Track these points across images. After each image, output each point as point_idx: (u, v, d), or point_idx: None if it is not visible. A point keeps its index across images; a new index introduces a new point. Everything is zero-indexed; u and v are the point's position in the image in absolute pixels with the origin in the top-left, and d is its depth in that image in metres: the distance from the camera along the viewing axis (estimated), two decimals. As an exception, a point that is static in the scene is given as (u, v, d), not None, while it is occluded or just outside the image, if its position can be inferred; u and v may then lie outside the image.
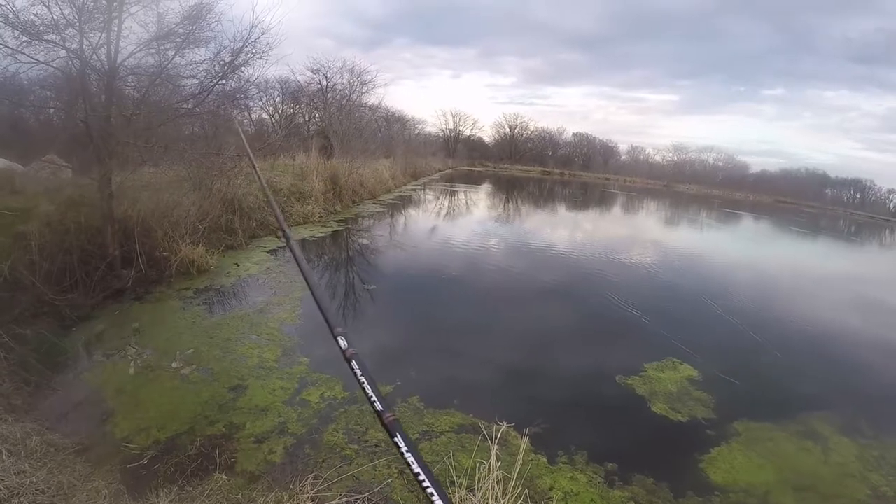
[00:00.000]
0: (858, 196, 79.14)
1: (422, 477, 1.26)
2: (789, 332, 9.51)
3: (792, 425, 5.89)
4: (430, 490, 1.25)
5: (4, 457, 3.48)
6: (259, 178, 3.26)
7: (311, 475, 3.97)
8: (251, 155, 4.51)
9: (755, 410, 6.10)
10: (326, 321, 1.76)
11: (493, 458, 3.54)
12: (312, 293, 1.95)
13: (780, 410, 6.22)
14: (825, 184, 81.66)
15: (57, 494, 3.37)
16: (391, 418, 1.38)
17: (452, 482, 3.79)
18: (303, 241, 12.90)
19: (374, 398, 1.43)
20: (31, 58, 7.29)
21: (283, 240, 2.40)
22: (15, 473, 3.37)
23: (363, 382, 1.49)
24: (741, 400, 6.40)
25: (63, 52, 7.52)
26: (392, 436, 1.34)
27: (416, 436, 4.88)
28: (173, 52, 8.87)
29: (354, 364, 1.55)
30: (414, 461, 1.29)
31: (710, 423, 5.73)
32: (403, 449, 1.31)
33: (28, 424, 4.15)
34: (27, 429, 4.04)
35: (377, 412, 1.41)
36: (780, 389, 6.96)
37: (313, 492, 3.77)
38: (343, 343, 1.64)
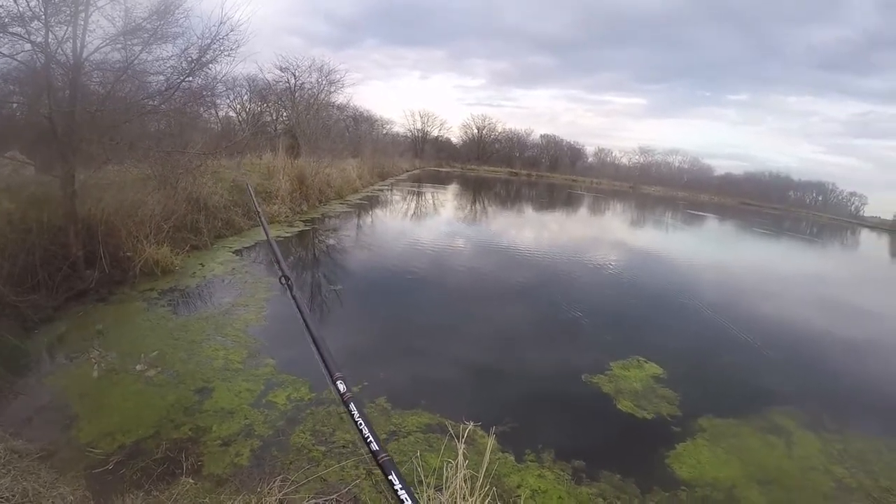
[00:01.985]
0: (821, 198, 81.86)
1: None
2: (753, 330, 9.78)
3: (756, 420, 6.11)
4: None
5: (-33, 464, 3.45)
6: (266, 231, 3.28)
7: (279, 477, 4.02)
8: (260, 214, 4.54)
9: (720, 407, 6.29)
10: (325, 366, 1.83)
11: (461, 458, 3.58)
12: (313, 339, 1.99)
13: (745, 406, 6.43)
14: (788, 186, 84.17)
15: (22, 502, 3.36)
16: (385, 458, 1.47)
17: (420, 482, 3.83)
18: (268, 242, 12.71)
19: (370, 439, 1.51)
20: (-5, 51, 7.14)
21: (285, 285, 2.43)
22: (-22, 481, 3.35)
23: (360, 424, 1.56)
24: (706, 397, 6.61)
25: (28, 46, 7.38)
26: (386, 475, 1.43)
27: (384, 436, 4.91)
28: (140, 48, 8.76)
29: (352, 406, 1.62)
30: (407, 498, 1.38)
31: (676, 420, 5.90)
32: (398, 486, 1.39)
33: (-10, 430, 4.11)
34: (-11, 435, 4.00)
35: (372, 452, 1.49)
36: (745, 386, 7.20)
37: (281, 494, 3.82)
38: (342, 387, 1.71)
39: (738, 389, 7.07)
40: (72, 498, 3.57)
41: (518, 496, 4.32)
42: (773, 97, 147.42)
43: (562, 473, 4.69)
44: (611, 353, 7.60)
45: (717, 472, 5.03)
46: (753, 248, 26.58)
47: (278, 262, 2.78)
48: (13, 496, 3.36)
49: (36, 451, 4.09)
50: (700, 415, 6.05)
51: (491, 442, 4.10)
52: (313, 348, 1.93)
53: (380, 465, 1.44)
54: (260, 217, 3.63)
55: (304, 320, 2.09)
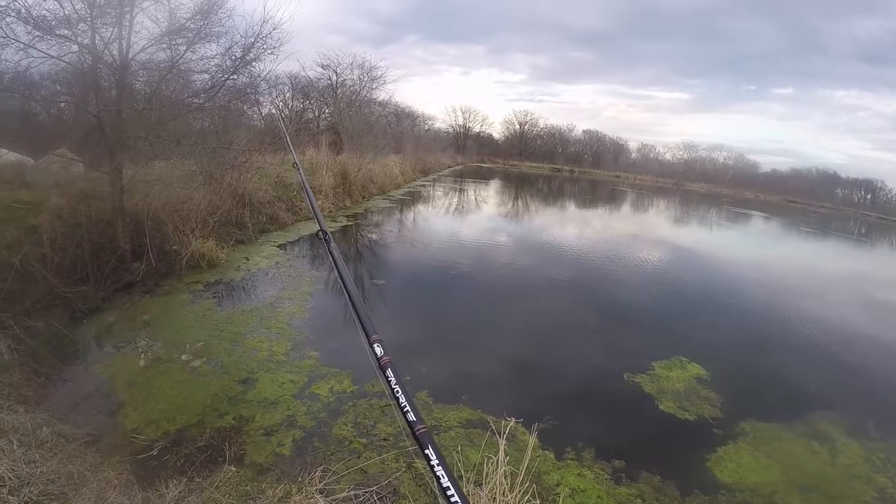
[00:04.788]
0: (869, 197, 78.33)
1: (451, 492, 1.25)
2: (798, 332, 9.46)
3: (799, 426, 5.85)
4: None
5: (15, 447, 3.48)
6: (308, 195, 3.22)
7: (320, 468, 3.99)
8: (295, 157, 4.51)
9: (762, 410, 6.05)
10: (363, 327, 1.70)
11: (502, 454, 3.54)
12: (349, 297, 1.87)
13: (788, 410, 6.18)
14: (836, 184, 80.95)
15: (67, 484, 3.37)
16: (423, 430, 1.35)
17: (461, 476, 3.80)
18: (311, 236, 12.79)
19: (407, 408, 1.39)
20: (43, 52, 7.30)
21: (324, 240, 2.41)
22: (25, 463, 3.37)
23: (398, 392, 1.43)
24: (748, 399, 6.36)
25: (75, 47, 7.53)
26: (423, 448, 1.32)
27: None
28: (185, 48, 8.88)
29: (390, 372, 1.50)
30: (444, 475, 1.28)
31: (718, 423, 5.70)
32: (434, 462, 1.30)
33: (39, 415, 4.16)
34: (38, 419, 4.04)
35: (409, 423, 1.37)
36: (788, 389, 6.92)
37: (322, 484, 3.78)
38: (379, 350, 1.59)
39: (780, 393, 6.79)
40: (116, 482, 3.57)
41: (557, 494, 4.22)
42: (820, 91, 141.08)
43: (601, 473, 4.59)
44: (653, 352, 7.38)
45: (757, 477, 4.86)
46: (799, 248, 25.60)
47: (316, 217, 2.67)
48: (59, 478, 3.37)
49: (82, 435, 4.13)
50: (742, 418, 5.83)
51: (532, 439, 4.03)
52: (350, 308, 1.78)
53: (416, 438, 1.32)
54: (300, 172, 3.54)
55: (341, 277, 1.94)
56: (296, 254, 10.96)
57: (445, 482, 1.27)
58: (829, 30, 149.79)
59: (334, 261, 2.12)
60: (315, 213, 2.80)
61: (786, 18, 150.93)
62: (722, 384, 6.60)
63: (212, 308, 7.46)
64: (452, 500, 1.22)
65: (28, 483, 3.22)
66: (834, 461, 5.27)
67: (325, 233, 2.41)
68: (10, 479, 3.18)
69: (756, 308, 10.91)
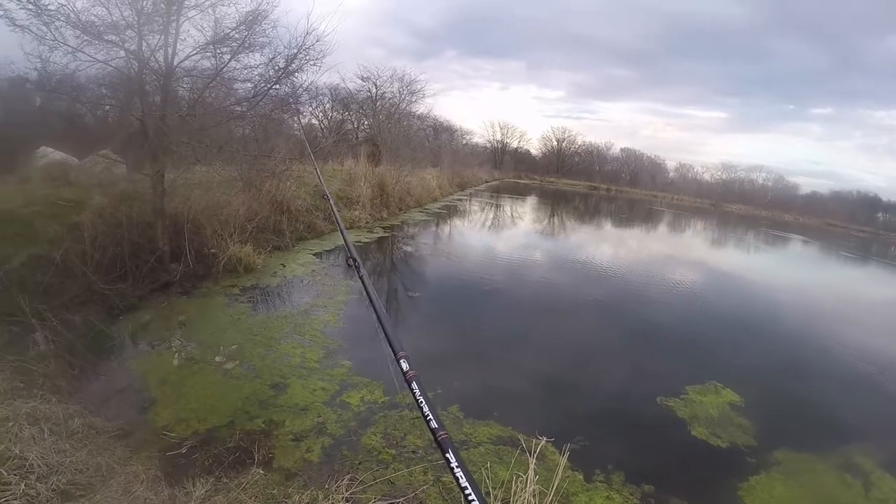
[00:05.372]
0: (912, 221, 75.69)
1: (469, 492, 1.33)
2: (835, 360, 9.10)
3: (833, 457, 5.60)
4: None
5: (46, 435, 3.47)
6: (337, 219, 3.26)
7: (348, 476, 3.92)
8: (325, 188, 4.52)
9: (796, 440, 5.81)
10: (390, 344, 1.86)
11: (531, 472, 3.46)
12: (378, 318, 2.05)
13: (823, 441, 5.94)
14: (877, 207, 78.54)
15: (95, 475, 3.35)
16: (444, 436, 1.48)
17: (488, 493, 3.73)
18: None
19: (430, 417, 1.54)
20: (91, 56, 7.47)
21: (353, 266, 2.48)
22: (55, 452, 3.35)
23: (422, 403, 1.59)
24: (782, 428, 6.14)
25: (122, 53, 7.70)
26: (444, 452, 1.44)
27: (456, 444, 4.71)
28: (229, 56, 9.02)
29: (415, 385, 1.67)
30: (463, 476, 1.37)
31: (751, 451, 5.49)
32: (454, 465, 1.40)
33: (71, 406, 4.17)
34: (70, 410, 4.04)
35: (432, 430, 1.51)
36: (823, 419, 6.65)
37: (348, 493, 3.71)
38: (405, 365, 1.77)
39: (815, 422, 6.53)
40: (143, 476, 3.53)
41: (585, 517, 4.10)
42: (860, 111, 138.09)
43: (630, 497, 4.42)
44: (687, 376, 7.16)
45: None
46: (838, 273, 24.84)
47: (346, 244, 2.76)
48: (87, 469, 3.35)
49: (113, 429, 4.11)
50: (776, 447, 5.59)
51: (563, 460, 3.90)
52: (378, 327, 1.95)
53: (438, 443, 1.50)
54: (331, 204, 3.64)
55: (370, 299, 2.12)
56: (332, 263, 10.97)
57: (464, 483, 1.35)
58: (868, 48, 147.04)
59: (364, 286, 2.27)
60: (345, 241, 2.92)
61: (825, 36, 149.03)
62: (756, 411, 6.37)
63: (247, 312, 7.46)
64: (470, 499, 1.29)
65: (56, 471, 3.20)
66: (867, 495, 5.03)
67: (356, 259, 2.53)
68: (39, 466, 3.15)
69: (793, 334, 10.58)
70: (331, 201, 3.61)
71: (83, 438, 3.72)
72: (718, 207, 69.27)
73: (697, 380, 7.03)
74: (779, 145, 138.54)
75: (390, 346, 1.85)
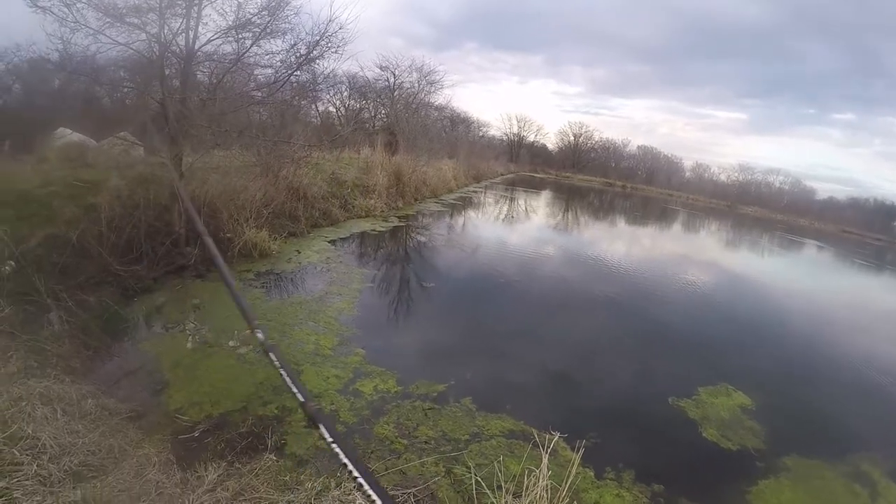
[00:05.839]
0: (928, 232, 74.54)
1: (350, 468, 1.39)
2: (847, 367, 8.98)
3: (842, 465, 5.55)
4: (361, 481, 1.37)
5: (59, 416, 3.46)
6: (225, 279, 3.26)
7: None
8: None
9: (806, 445, 5.77)
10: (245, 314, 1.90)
11: (545, 467, 3.48)
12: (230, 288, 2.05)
13: (832, 447, 5.89)
14: (893, 216, 77.36)
15: (107, 457, 3.34)
16: (315, 408, 1.64)
17: (499, 486, 3.70)
18: (363, 234, 12.95)
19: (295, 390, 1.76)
20: (112, 39, 7.46)
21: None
22: (68, 433, 3.34)
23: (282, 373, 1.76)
24: (792, 433, 6.08)
25: (143, 36, 7.68)
26: (316, 425, 1.58)
27: (466, 437, 4.77)
28: (251, 42, 8.99)
29: (272, 356, 1.87)
30: (340, 451, 1.46)
31: (760, 455, 5.45)
32: (329, 439, 1.51)
33: (84, 387, 4.16)
34: (83, 391, 4.03)
35: (301, 404, 1.74)
36: (834, 425, 6.58)
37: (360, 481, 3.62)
38: (261, 336, 2.00)
39: (826, 428, 6.46)
40: (156, 459, 3.52)
41: (595, 514, 4.09)
42: (881, 119, 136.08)
43: (640, 496, 4.41)
44: (699, 377, 7.10)
45: None
46: (853, 281, 24.49)
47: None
48: (99, 450, 3.33)
49: (126, 410, 4.10)
50: (785, 452, 5.54)
51: (577, 456, 3.87)
52: (233, 299, 2.00)
53: (309, 417, 1.66)
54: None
55: (222, 272, 2.17)
56: (347, 250, 10.96)
57: (344, 459, 1.41)
58: (891, 54, 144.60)
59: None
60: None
61: (848, 40, 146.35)
62: (767, 415, 6.31)
63: (261, 297, 7.46)
64: (356, 479, 1.35)
65: (69, 452, 3.18)
66: None
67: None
68: (51, 446, 3.14)
69: (805, 339, 10.45)
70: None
71: (96, 420, 3.70)
72: (734, 209, 68.50)
73: (709, 381, 6.98)
74: (797, 149, 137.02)
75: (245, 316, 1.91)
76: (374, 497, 1.15)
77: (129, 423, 3.96)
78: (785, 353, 9.17)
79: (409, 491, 3.83)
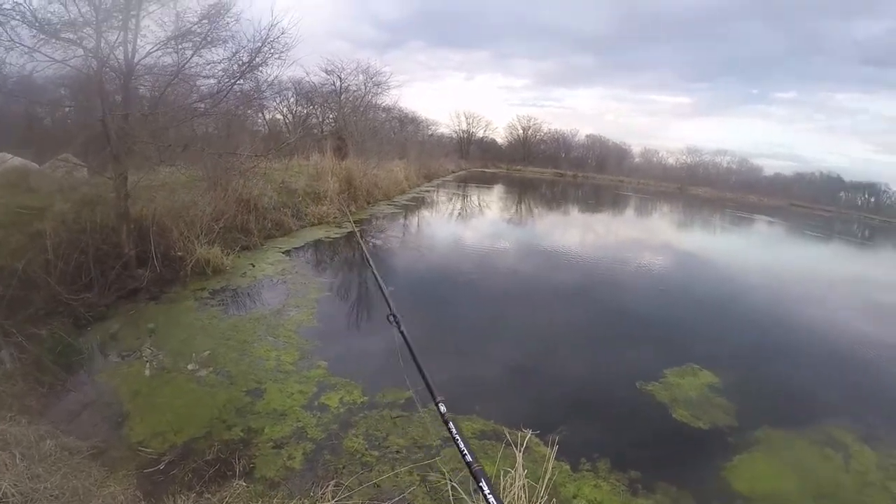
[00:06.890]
0: (873, 200, 78.23)
1: None
2: (809, 339, 9.39)
3: (812, 433, 5.80)
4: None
5: (18, 461, 3.35)
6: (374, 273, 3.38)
7: (332, 482, 3.88)
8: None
9: (775, 418, 6.00)
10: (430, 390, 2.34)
11: (520, 467, 3.47)
12: (419, 367, 2.46)
13: (801, 417, 6.15)
14: (839, 187, 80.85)
15: (72, 500, 3.25)
16: (478, 468, 1.74)
17: (476, 490, 3.67)
18: (317, 242, 12.84)
19: (465, 452, 1.86)
20: (48, 56, 7.23)
21: (393, 323, 2.60)
22: (28, 478, 3.24)
23: (458, 441, 1.93)
24: (761, 407, 6.31)
25: (80, 51, 7.45)
26: (478, 481, 1.68)
27: (438, 442, 4.75)
28: (191, 52, 8.81)
29: (451, 425, 2.00)
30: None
31: (732, 431, 5.64)
32: (486, 491, 1.61)
33: (42, 427, 4.04)
34: (41, 431, 3.92)
35: (468, 463, 1.82)
36: (800, 396, 6.88)
37: (335, 500, 3.65)
38: (443, 409, 2.12)
39: (793, 399, 6.75)
40: (122, 497, 3.45)
41: (574, 508, 4.16)
42: (822, 94, 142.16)
43: (618, 484, 4.50)
44: (664, 359, 7.28)
45: (773, 486, 4.84)
46: (804, 252, 25.51)
47: (386, 299, 2.94)
48: (63, 494, 3.24)
49: (87, 448, 3.99)
50: (756, 426, 5.77)
51: (552, 452, 3.85)
52: (420, 376, 2.51)
53: (473, 474, 1.74)
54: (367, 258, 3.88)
55: (411, 351, 2.76)
56: (302, 260, 10.88)
57: None
58: (829, 32, 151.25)
59: (406, 341, 2.47)
60: (385, 297, 3.09)
61: (786, 21, 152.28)
62: (735, 392, 6.53)
63: (218, 316, 7.33)
64: None
65: (32, 499, 3.09)
66: (847, 468, 5.23)
67: (395, 315, 2.75)
68: (12, 495, 3.05)
69: (766, 313, 10.85)
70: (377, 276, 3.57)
71: (56, 461, 3.60)
72: (684, 191, 70.59)
73: (674, 363, 7.17)
74: (743, 129, 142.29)
75: (430, 392, 2.34)
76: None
77: (92, 462, 3.85)
78: (747, 329, 9.54)
79: (386, 504, 3.80)
